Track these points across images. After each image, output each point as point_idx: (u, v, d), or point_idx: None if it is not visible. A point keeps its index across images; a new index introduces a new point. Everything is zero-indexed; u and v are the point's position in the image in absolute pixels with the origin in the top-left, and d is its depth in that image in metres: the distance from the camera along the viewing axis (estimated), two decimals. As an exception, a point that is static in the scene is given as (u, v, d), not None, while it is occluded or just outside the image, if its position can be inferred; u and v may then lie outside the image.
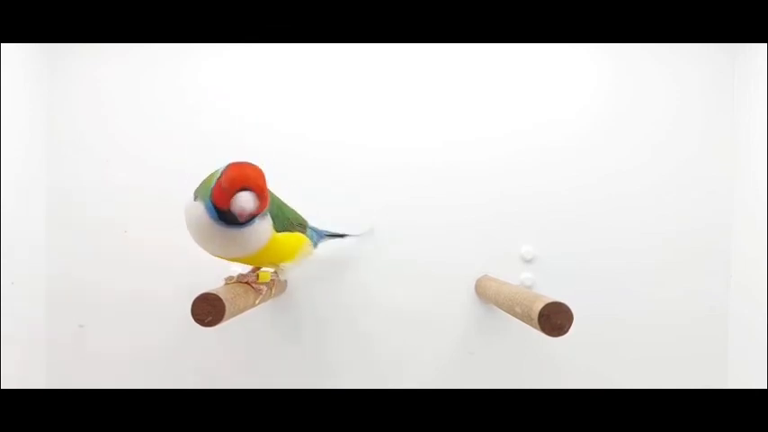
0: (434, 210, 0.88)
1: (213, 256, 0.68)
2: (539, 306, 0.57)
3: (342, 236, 0.85)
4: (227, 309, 0.62)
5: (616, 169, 0.88)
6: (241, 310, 0.68)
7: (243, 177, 0.58)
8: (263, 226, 0.65)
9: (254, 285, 0.71)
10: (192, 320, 0.62)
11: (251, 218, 0.61)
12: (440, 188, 0.88)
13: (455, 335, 0.88)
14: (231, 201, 0.58)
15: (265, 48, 0.88)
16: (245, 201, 0.58)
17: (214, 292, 0.62)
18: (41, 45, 0.87)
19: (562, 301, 0.57)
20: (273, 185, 0.88)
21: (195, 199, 0.64)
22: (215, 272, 0.87)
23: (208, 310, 0.61)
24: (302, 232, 0.75)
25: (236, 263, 0.71)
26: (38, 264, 0.88)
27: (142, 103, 0.89)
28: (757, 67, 0.83)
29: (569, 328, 0.56)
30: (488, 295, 0.79)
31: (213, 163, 0.88)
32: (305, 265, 0.88)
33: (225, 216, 0.61)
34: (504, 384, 0.87)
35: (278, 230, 0.68)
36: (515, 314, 0.64)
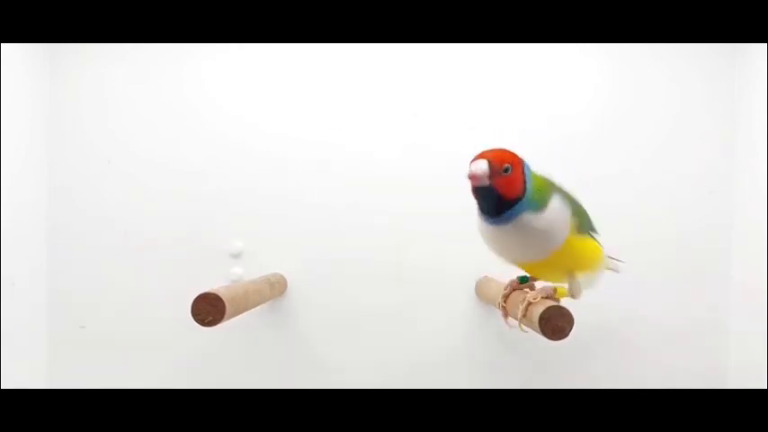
0: (435, 211, 0.87)
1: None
2: (539, 309, 0.57)
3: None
4: (227, 309, 0.62)
5: (616, 169, 0.88)
6: (242, 311, 0.68)
7: (481, 153, 0.56)
8: (545, 217, 0.57)
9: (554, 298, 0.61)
10: (192, 320, 0.62)
11: (486, 188, 0.55)
12: (440, 189, 0.87)
13: (455, 335, 0.88)
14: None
15: (267, 48, 0.88)
16: (474, 165, 0.54)
17: (214, 292, 0.62)
18: (42, 45, 0.87)
19: (562, 305, 0.57)
20: (274, 186, 0.89)
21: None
22: (215, 272, 0.87)
23: (208, 309, 0.62)
24: (596, 240, 0.65)
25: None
26: (38, 264, 0.88)
27: (143, 104, 0.89)
28: (757, 67, 0.83)
29: (570, 330, 0.55)
30: (488, 296, 0.79)
31: (213, 163, 0.89)
32: (305, 266, 0.88)
33: (481, 209, 0.58)
34: (503, 384, 0.87)
35: (579, 230, 0.60)
36: (516, 316, 0.64)
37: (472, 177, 0.55)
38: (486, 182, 0.55)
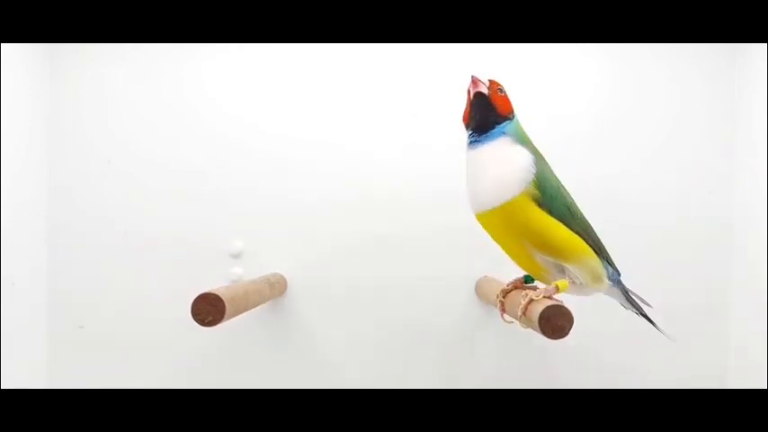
0: (435, 211, 0.87)
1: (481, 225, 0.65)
2: (539, 308, 0.57)
3: (642, 313, 0.71)
4: (227, 309, 0.62)
5: (616, 169, 0.88)
6: (242, 311, 0.68)
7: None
8: (512, 150, 0.62)
9: (555, 297, 0.61)
10: (192, 320, 0.62)
11: (483, 97, 0.63)
12: (441, 189, 0.87)
13: (455, 335, 0.88)
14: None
15: (267, 48, 0.88)
16: (477, 78, 0.63)
17: (214, 292, 0.62)
18: (42, 45, 0.87)
19: (562, 304, 0.57)
20: (274, 186, 0.89)
21: None
22: (215, 272, 0.87)
23: (208, 309, 0.62)
24: (590, 246, 0.63)
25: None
26: (38, 264, 0.88)
27: (143, 103, 0.89)
28: (757, 67, 0.83)
29: (570, 330, 0.55)
30: (488, 296, 0.79)
31: (213, 163, 0.89)
32: (305, 266, 0.88)
33: (470, 127, 0.64)
34: (504, 384, 0.87)
35: (544, 204, 0.60)
36: (515, 315, 0.64)
37: (474, 82, 0.63)
38: (486, 90, 0.63)
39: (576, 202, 0.65)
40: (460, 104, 0.88)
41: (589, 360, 0.88)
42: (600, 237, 0.67)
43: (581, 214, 0.65)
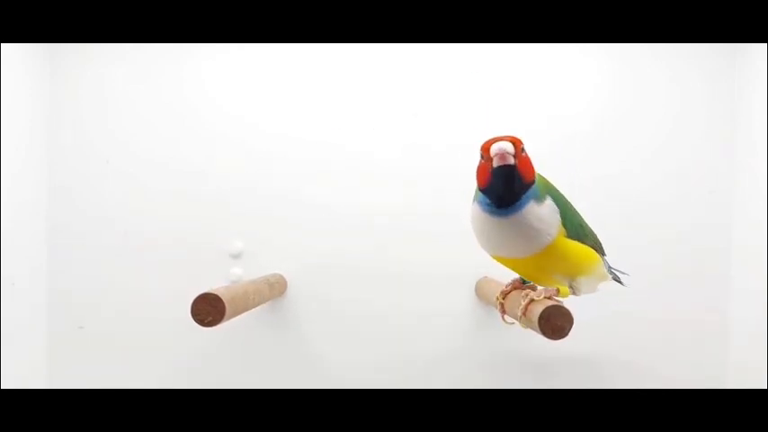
0: (435, 211, 0.87)
1: (499, 263, 0.63)
2: (539, 308, 0.57)
3: (617, 280, 0.73)
4: (227, 309, 0.62)
5: (616, 169, 0.88)
6: (241, 311, 0.68)
7: (496, 138, 0.56)
8: (542, 211, 0.57)
9: (555, 298, 0.61)
10: (192, 320, 0.62)
11: (510, 168, 0.54)
12: (440, 189, 0.88)
13: (455, 335, 0.88)
14: (491, 156, 0.54)
15: (267, 48, 0.88)
16: (501, 145, 0.54)
17: (214, 293, 0.62)
18: (42, 45, 0.87)
19: (562, 304, 0.57)
20: (274, 186, 0.89)
21: (473, 202, 0.60)
22: (215, 272, 0.87)
23: (208, 310, 0.62)
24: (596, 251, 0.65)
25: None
26: (38, 264, 0.88)
27: (142, 103, 0.89)
28: (757, 67, 0.83)
29: (570, 330, 0.55)
30: (488, 296, 0.79)
31: (213, 163, 0.89)
32: (305, 266, 0.88)
33: (493, 197, 0.57)
34: (503, 384, 0.87)
35: (569, 234, 0.60)
36: (515, 316, 0.64)
37: (501, 156, 0.54)
38: (513, 161, 0.54)
39: (573, 204, 0.64)
40: (460, 104, 0.89)
41: (589, 360, 0.88)
42: (599, 237, 0.67)
43: (584, 222, 0.65)
